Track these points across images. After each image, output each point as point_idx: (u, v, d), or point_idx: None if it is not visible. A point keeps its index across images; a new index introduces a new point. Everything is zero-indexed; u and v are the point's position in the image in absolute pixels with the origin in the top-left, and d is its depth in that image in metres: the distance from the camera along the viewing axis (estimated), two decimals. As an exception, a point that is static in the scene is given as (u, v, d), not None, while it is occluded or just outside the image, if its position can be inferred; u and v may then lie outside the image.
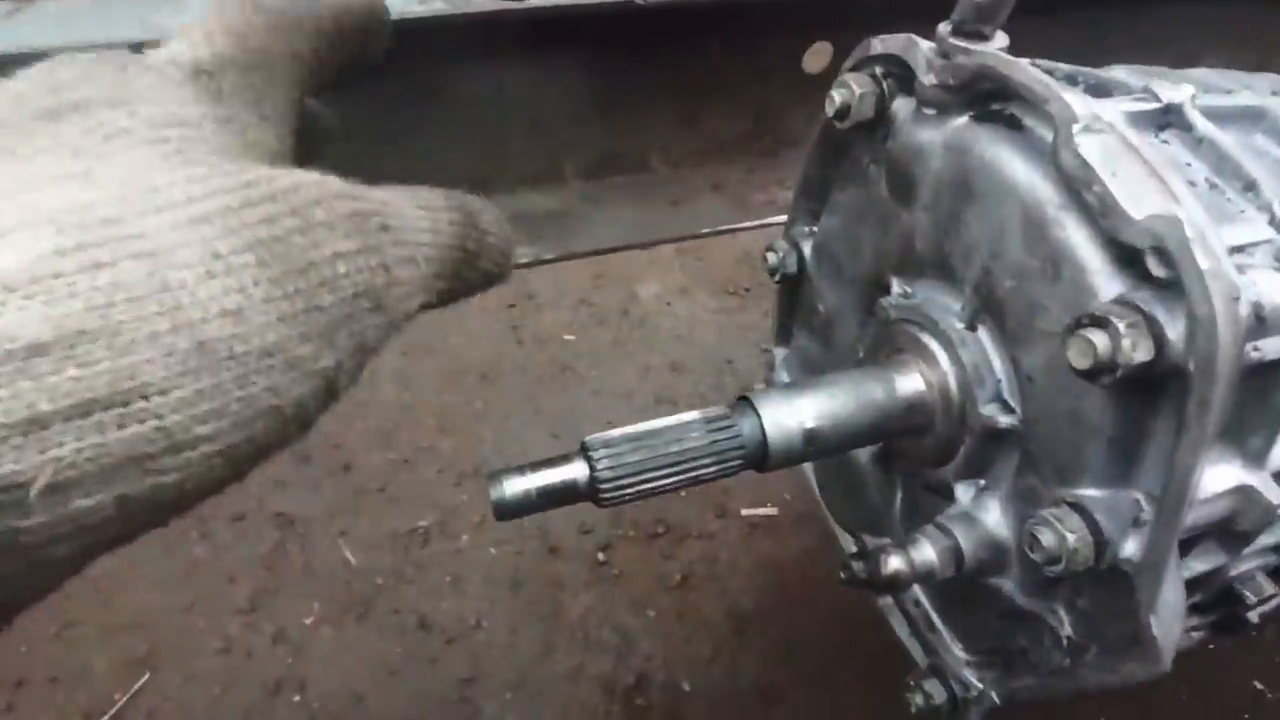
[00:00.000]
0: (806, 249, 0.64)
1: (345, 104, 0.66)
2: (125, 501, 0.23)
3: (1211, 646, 0.65)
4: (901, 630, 0.60)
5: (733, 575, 1.37)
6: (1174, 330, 0.33)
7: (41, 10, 0.53)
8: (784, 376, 0.73)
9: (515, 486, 0.43)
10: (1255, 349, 0.36)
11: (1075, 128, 0.36)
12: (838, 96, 0.49)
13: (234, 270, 0.24)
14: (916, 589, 0.57)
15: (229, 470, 0.25)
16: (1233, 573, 0.55)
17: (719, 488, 1.49)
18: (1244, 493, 0.40)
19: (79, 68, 0.27)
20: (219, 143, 0.27)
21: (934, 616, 0.55)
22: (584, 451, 0.44)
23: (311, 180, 0.27)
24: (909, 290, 0.52)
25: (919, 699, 0.55)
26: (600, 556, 1.40)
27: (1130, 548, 0.38)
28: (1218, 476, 0.40)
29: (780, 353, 0.74)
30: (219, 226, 0.24)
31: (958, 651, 0.54)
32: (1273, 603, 0.64)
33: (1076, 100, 0.37)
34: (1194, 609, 0.59)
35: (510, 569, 1.36)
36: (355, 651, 1.24)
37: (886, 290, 0.54)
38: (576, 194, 0.82)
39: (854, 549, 0.64)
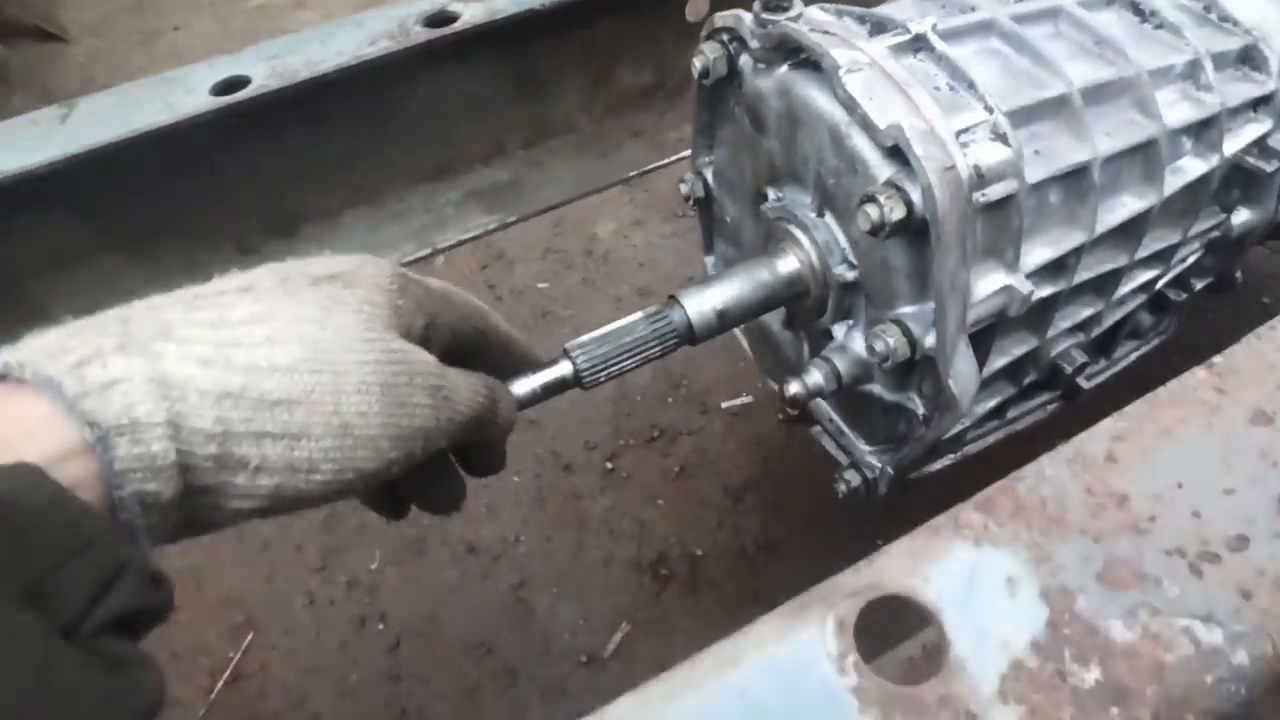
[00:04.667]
0: (709, 176, 0.82)
1: (317, 131, 0.82)
2: (280, 488, 0.42)
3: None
4: (828, 445, 0.81)
5: (723, 459, 1.58)
6: (916, 196, 0.52)
7: (86, 111, 0.68)
8: (715, 278, 0.91)
9: (524, 387, 0.62)
10: (983, 195, 0.55)
11: (841, 72, 0.54)
12: (698, 62, 0.67)
13: (369, 393, 0.43)
14: (828, 409, 0.77)
15: (330, 491, 0.44)
16: (1052, 353, 0.75)
17: (700, 388, 1.69)
18: (1006, 290, 0.60)
19: (342, 259, 0.47)
20: (389, 320, 0.45)
21: (843, 426, 0.76)
22: (566, 354, 0.63)
23: (422, 359, 0.45)
24: (780, 195, 0.70)
25: (842, 486, 0.76)
26: (608, 465, 1.60)
27: (930, 340, 0.58)
28: (987, 283, 0.59)
29: (710, 259, 0.92)
30: (370, 369, 0.42)
31: (863, 446, 0.75)
32: (1095, 371, 0.86)
33: (842, 51, 0.55)
34: (1036, 386, 0.80)
35: (534, 491, 1.57)
36: (419, 582, 1.45)
37: (765, 198, 0.72)
38: (521, 162, 0.99)
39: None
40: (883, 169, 0.55)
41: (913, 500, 0.74)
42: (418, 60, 0.76)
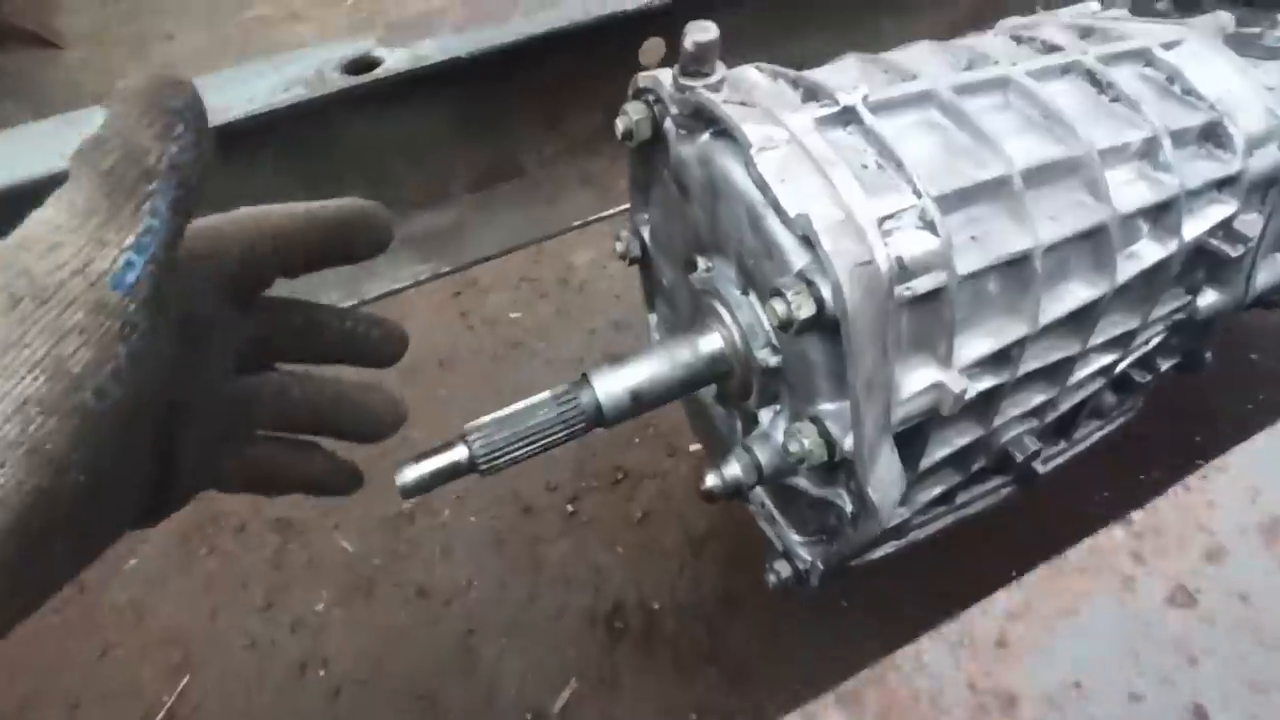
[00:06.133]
0: (646, 234, 0.77)
1: (233, 177, 0.77)
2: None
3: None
4: (764, 526, 0.75)
5: (687, 506, 1.53)
6: (827, 292, 0.47)
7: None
8: (656, 336, 0.87)
9: (412, 474, 0.57)
10: (907, 289, 0.50)
11: (753, 150, 0.49)
12: (620, 124, 0.62)
13: None
14: (761, 492, 0.72)
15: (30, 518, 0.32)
16: (1003, 439, 0.70)
17: (669, 427, 1.64)
18: (938, 388, 0.55)
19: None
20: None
21: (774, 513, 0.71)
22: (463, 438, 0.58)
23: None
24: (710, 265, 0.65)
25: (772, 577, 0.70)
26: (569, 508, 1.55)
27: (849, 443, 0.53)
28: (917, 378, 0.54)
29: (653, 318, 0.88)
30: None
31: (794, 535, 0.69)
32: (1053, 454, 0.80)
33: (756, 127, 0.50)
34: (986, 472, 0.75)
35: (491, 532, 1.52)
36: (366, 625, 1.40)
37: (695, 267, 0.67)
38: (466, 206, 0.94)
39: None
40: (798, 257, 0.50)
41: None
42: (338, 107, 0.71)
